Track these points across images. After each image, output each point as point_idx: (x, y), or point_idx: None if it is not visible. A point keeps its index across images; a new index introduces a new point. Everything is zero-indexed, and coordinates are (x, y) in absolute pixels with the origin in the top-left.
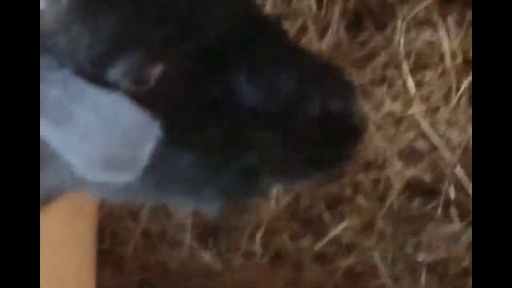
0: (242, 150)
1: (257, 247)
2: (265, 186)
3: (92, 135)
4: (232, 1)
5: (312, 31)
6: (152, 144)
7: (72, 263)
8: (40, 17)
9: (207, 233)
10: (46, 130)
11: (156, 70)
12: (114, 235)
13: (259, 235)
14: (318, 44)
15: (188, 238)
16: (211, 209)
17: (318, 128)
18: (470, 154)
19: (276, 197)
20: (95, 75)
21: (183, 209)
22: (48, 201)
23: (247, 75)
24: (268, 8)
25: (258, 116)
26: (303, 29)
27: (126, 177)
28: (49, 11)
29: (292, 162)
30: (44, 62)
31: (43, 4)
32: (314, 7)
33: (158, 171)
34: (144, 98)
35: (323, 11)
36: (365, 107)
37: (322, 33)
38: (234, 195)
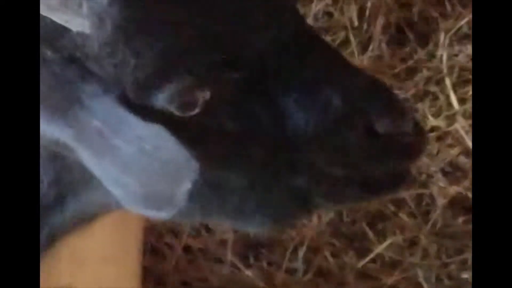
0: (291, 173)
1: (299, 263)
2: (315, 209)
3: (132, 168)
4: (278, 21)
5: (354, 44)
6: (189, 183)
7: (118, 278)
8: (85, 41)
9: (249, 249)
10: (87, 159)
11: (203, 95)
12: (156, 251)
13: (301, 251)
14: (360, 58)
15: (229, 254)
16: (259, 231)
17: (368, 149)
18: None
19: (318, 213)
20: (141, 100)
21: (224, 225)
22: (93, 217)
23: (295, 97)
24: (309, 22)
25: (306, 137)
26: (344, 42)
27: (163, 215)
28: (94, 35)
29: (343, 184)
30: (89, 88)
31: (88, 29)
32: (356, 20)
33: (205, 194)
34: (189, 124)
35: (365, 25)
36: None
37: (364, 47)
38: (285, 219)
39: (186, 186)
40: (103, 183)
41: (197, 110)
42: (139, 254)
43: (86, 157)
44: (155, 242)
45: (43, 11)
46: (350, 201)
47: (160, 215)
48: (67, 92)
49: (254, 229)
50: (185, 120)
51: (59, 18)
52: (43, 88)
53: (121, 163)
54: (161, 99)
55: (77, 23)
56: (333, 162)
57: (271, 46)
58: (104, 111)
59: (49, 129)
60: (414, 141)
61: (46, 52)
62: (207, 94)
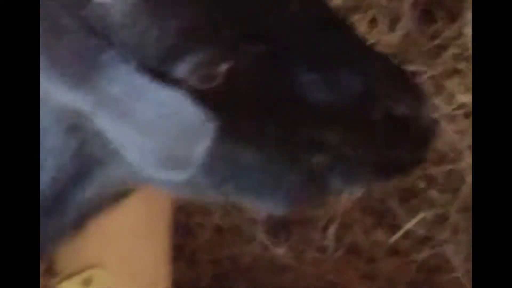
0: (308, 151)
1: (330, 241)
2: (333, 189)
3: (150, 131)
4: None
5: (382, 23)
6: (206, 144)
7: (148, 256)
8: (106, 10)
9: (279, 227)
10: (107, 126)
11: (223, 68)
12: (187, 229)
13: (332, 228)
14: (389, 36)
15: (260, 233)
16: (276, 210)
17: (387, 131)
18: None
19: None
20: (161, 71)
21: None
22: (117, 195)
23: (314, 75)
24: (338, 1)
25: (325, 116)
26: (373, 21)
27: (178, 175)
28: (116, 4)
29: (361, 166)
30: (109, 57)
31: None
32: None
33: (221, 170)
34: (208, 96)
35: (394, 3)
36: (434, 111)
37: (393, 25)
38: (300, 199)
39: (203, 146)
40: (121, 149)
41: (216, 82)
42: (170, 233)
43: (105, 124)
44: (186, 221)
45: None
46: (364, 183)
47: (177, 176)
48: (88, 60)
49: (269, 208)
50: (204, 91)
51: None
52: (64, 57)
53: (139, 127)
54: (181, 70)
55: None
56: (349, 143)
57: (293, 23)
58: (124, 79)
59: (69, 98)
60: (430, 126)
61: (68, 22)
62: (227, 67)
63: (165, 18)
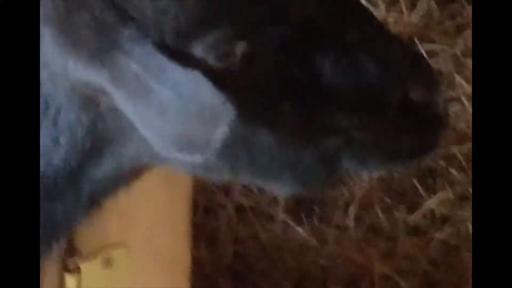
0: (323, 134)
1: (350, 220)
2: (343, 174)
3: (168, 112)
4: None
5: (402, 2)
6: (226, 127)
7: (169, 236)
8: None
9: (300, 206)
10: (123, 103)
11: (241, 49)
12: (207, 210)
13: (352, 208)
14: (409, 15)
15: (280, 212)
16: (289, 191)
17: (401, 117)
18: None
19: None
20: (179, 49)
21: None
22: (133, 172)
23: (331, 58)
24: None
25: (341, 100)
26: (393, 1)
27: (196, 158)
28: None
29: (374, 150)
30: (128, 32)
31: None
32: None
33: (235, 151)
34: (225, 77)
35: None
36: (446, 97)
37: (413, 4)
38: (312, 182)
39: (223, 129)
40: (137, 127)
41: (235, 62)
42: (190, 213)
43: (122, 101)
44: (207, 200)
45: None
46: (378, 167)
47: (193, 158)
48: (106, 35)
49: (281, 190)
50: (222, 71)
51: None
52: (82, 31)
53: (157, 106)
54: (200, 48)
55: None
56: (364, 127)
57: (312, 6)
58: (142, 56)
59: (86, 72)
60: (444, 111)
61: None
62: (246, 47)
63: None
